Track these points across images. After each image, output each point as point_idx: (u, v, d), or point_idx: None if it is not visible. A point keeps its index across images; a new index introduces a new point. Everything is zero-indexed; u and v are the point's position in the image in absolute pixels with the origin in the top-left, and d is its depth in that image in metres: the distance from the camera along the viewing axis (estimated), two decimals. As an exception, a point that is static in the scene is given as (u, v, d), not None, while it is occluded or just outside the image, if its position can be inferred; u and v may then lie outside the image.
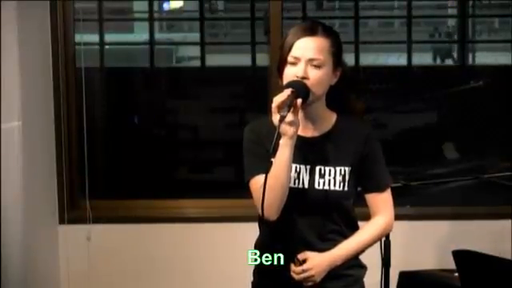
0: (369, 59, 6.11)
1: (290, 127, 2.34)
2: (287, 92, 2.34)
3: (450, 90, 5.43)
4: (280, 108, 2.32)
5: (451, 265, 3.25)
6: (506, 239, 3.95)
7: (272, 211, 2.39)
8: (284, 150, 2.36)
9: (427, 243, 4.07)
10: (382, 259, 3.17)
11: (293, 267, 2.46)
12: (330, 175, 2.47)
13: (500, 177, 3.91)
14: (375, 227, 2.55)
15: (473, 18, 6.18)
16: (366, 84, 5.37)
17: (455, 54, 6.40)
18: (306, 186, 2.47)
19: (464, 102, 5.44)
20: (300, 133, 2.41)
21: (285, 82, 2.43)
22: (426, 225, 4.10)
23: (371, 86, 5.48)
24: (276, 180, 2.36)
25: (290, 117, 2.32)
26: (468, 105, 5.43)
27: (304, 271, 2.44)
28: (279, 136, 2.33)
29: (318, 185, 2.46)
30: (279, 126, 2.31)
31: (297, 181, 2.47)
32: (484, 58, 6.40)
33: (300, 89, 2.37)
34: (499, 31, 6.62)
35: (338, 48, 2.48)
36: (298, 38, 2.43)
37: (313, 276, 2.45)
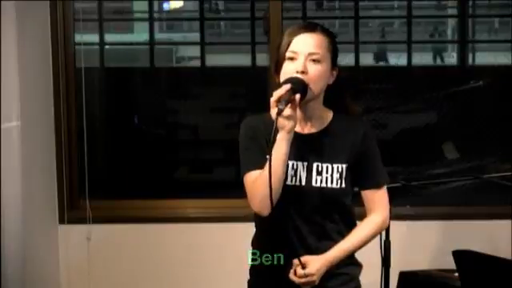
0: (369, 59, 6.12)
1: (288, 121, 2.33)
2: (286, 87, 2.34)
3: (450, 90, 5.43)
4: (278, 102, 2.31)
5: (451, 265, 3.25)
6: (505, 239, 3.94)
7: (265, 206, 2.36)
8: (281, 145, 2.34)
9: (427, 243, 4.07)
10: (382, 259, 3.17)
11: (296, 269, 2.43)
12: (327, 172, 2.45)
13: (500, 177, 3.90)
14: (372, 225, 2.53)
15: (473, 18, 6.19)
16: (366, 84, 5.38)
17: (455, 54, 6.40)
18: (303, 183, 2.45)
19: (464, 102, 5.44)
20: (296, 129, 2.40)
21: (283, 78, 2.41)
22: (426, 225, 4.10)
23: (371, 86, 5.48)
24: (272, 175, 2.32)
25: (287, 111, 2.31)
26: (468, 105, 5.43)
27: (306, 275, 2.42)
28: (277, 130, 2.32)
29: (316, 182, 2.45)
30: (277, 119, 2.30)
31: (294, 178, 2.45)
32: (484, 58, 6.41)
33: (298, 84, 2.36)
34: (499, 31, 6.62)
35: (335, 48, 2.48)
36: (297, 35, 2.43)
37: (314, 281, 2.44)
